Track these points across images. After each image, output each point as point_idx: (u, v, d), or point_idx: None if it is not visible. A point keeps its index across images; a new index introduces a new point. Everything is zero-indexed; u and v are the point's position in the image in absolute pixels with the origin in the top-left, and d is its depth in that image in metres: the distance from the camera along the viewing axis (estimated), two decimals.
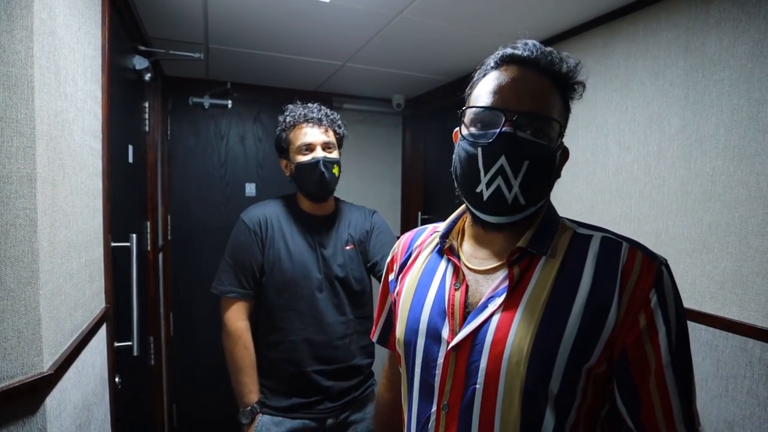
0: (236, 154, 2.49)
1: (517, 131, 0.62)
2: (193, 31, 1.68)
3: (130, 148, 1.57)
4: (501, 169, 0.62)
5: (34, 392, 0.71)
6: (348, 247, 1.43)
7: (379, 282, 1.43)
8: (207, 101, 2.36)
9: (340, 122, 1.45)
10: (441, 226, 0.77)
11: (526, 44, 0.67)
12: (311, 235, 1.40)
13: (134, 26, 1.55)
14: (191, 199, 2.41)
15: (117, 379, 1.22)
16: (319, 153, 1.35)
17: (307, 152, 1.36)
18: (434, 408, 0.66)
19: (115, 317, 1.21)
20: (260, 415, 1.33)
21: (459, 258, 0.71)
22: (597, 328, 0.58)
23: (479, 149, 0.63)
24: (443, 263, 0.73)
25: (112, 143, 1.20)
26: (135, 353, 1.30)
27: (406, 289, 0.76)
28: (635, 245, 0.62)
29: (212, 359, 2.41)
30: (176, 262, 2.36)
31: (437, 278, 0.72)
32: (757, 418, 1.07)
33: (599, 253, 0.62)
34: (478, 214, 0.67)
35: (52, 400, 0.76)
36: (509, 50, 0.67)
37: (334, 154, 1.40)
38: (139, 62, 1.64)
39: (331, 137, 1.40)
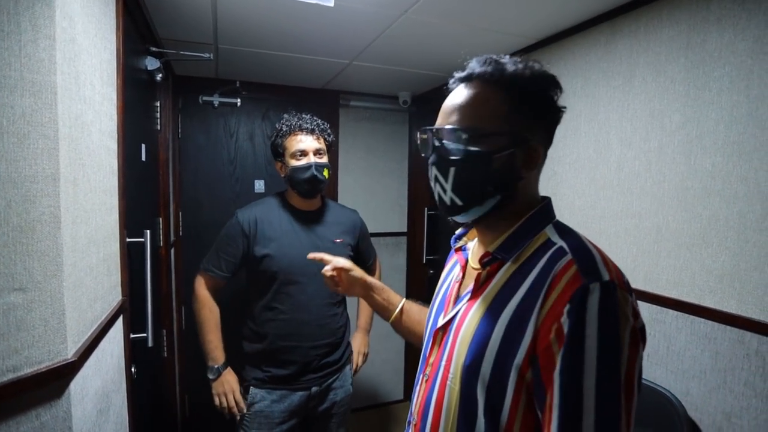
0: (245, 151, 2.54)
1: (443, 142, 0.70)
2: (203, 32, 1.72)
3: (143, 146, 1.62)
4: (435, 177, 0.72)
5: (60, 377, 0.76)
6: (338, 240, 1.66)
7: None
8: (216, 100, 2.41)
9: (329, 131, 1.67)
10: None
11: (471, 62, 0.73)
12: (300, 227, 1.62)
13: (146, 28, 1.59)
14: (202, 195, 2.46)
15: (133, 369, 1.28)
16: (311, 158, 1.57)
17: (301, 157, 1.57)
18: (422, 374, 0.80)
19: (130, 309, 1.26)
20: (228, 374, 1.59)
21: (468, 255, 0.82)
22: (519, 332, 0.62)
23: (427, 163, 0.75)
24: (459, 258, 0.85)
25: (126, 143, 1.25)
26: (150, 344, 1.35)
27: (441, 278, 0.92)
28: (579, 257, 0.62)
29: None
30: (187, 258, 2.42)
31: (453, 271, 0.85)
32: (754, 410, 1.09)
33: (545, 262, 0.64)
34: None
35: (75, 386, 0.81)
36: (457, 72, 0.75)
37: (324, 159, 1.62)
38: (151, 63, 1.69)
39: (321, 144, 1.62)
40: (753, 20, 1.10)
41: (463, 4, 1.43)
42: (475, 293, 0.72)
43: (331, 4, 1.35)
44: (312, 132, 1.60)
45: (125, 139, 1.21)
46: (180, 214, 2.38)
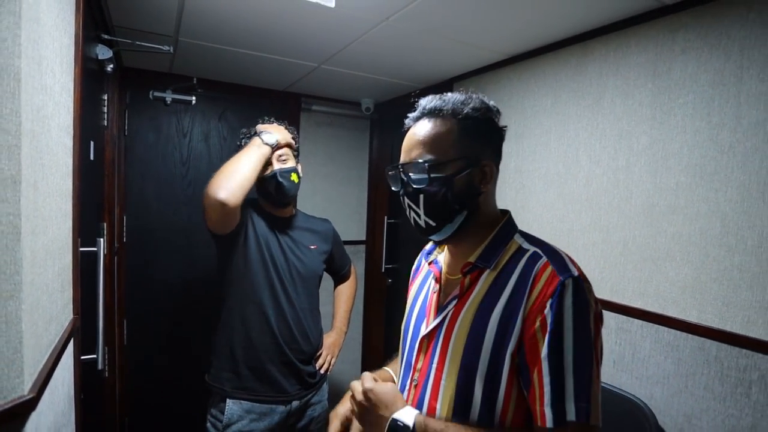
0: (200, 152, 2.38)
1: (410, 175, 0.79)
2: (164, 23, 1.58)
3: (92, 144, 1.45)
4: (409, 206, 0.81)
5: (14, 419, 0.64)
6: (313, 247, 1.61)
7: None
8: (169, 96, 2.23)
9: (294, 133, 1.58)
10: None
11: (420, 102, 0.84)
12: (277, 231, 1.53)
13: (99, 12, 1.43)
14: (149, 198, 2.26)
15: (81, 396, 1.13)
16: (275, 166, 1.47)
17: (264, 166, 1.46)
18: (409, 381, 0.85)
19: (81, 329, 1.11)
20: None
21: (441, 267, 0.88)
22: (510, 325, 0.72)
23: (399, 196, 0.84)
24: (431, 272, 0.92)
25: (80, 140, 1.10)
26: (100, 367, 1.20)
27: (411, 292, 0.98)
28: (553, 259, 0.73)
29: (166, 369, 2.29)
30: (131, 266, 2.20)
31: (427, 283, 0.92)
32: (713, 411, 1.18)
33: (524, 265, 0.74)
34: None
35: (30, 426, 0.68)
36: (410, 113, 0.84)
37: (290, 164, 1.51)
38: (103, 52, 1.52)
39: (285, 149, 1.51)
40: (714, 53, 1.20)
41: (444, 19, 1.43)
42: (461, 298, 0.79)
43: (332, 4, 1.30)
44: None
45: (81, 135, 1.07)
46: (124, 218, 2.17)
